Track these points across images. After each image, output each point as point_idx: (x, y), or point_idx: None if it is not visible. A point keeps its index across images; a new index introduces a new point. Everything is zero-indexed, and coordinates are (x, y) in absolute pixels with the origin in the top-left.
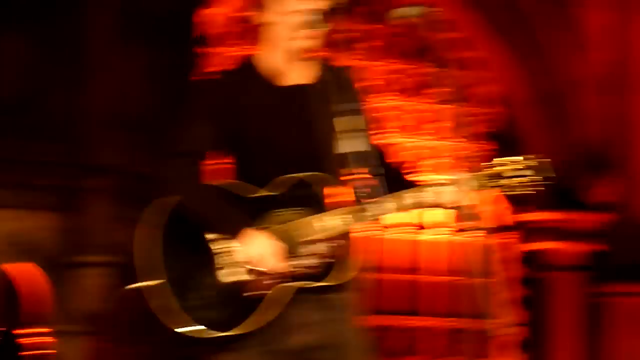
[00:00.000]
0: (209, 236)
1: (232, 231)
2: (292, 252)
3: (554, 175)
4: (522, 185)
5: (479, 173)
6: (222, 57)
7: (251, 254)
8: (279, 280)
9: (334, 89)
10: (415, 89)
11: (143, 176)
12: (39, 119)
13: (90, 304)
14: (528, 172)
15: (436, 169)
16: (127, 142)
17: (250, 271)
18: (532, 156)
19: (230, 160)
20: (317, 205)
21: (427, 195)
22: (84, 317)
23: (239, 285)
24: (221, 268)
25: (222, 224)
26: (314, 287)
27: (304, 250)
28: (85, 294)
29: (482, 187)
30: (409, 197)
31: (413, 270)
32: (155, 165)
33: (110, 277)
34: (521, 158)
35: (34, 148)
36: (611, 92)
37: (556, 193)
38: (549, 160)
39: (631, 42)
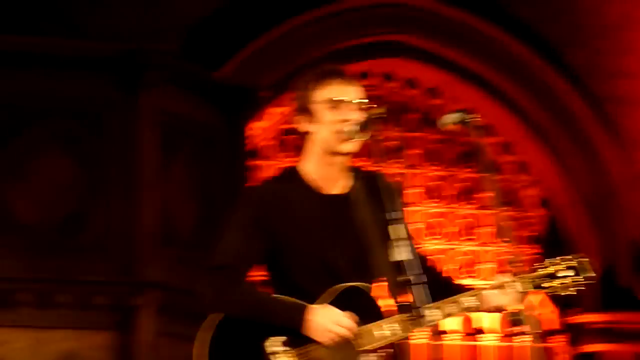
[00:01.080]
0: (271, 349)
1: (293, 319)
2: None
3: (595, 273)
4: (564, 286)
5: (522, 276)
6: (269, 171)
7: (325, 324)
8: None
9: (377, 198)
10: (459, 195)
11: (189, 292)
12: (89, 239)
13: None
14: (569, 273)
15: (482, 275)
16: (174, 258)
17: None
18: (572, 256)
19: (273, 273)
20: (367, 315)
21: (472, 300)
22: None
23: None
24: None
25: (281, 316)
26: None
27: (354, 330)
28: None
29: (526, 290)
30: (455, 304)
31: None
32: (195, 279)
33: None
34: (560, 259)
35: (86, 267)
36: None
37: (606, 294)
38: (589, 259)
39: None
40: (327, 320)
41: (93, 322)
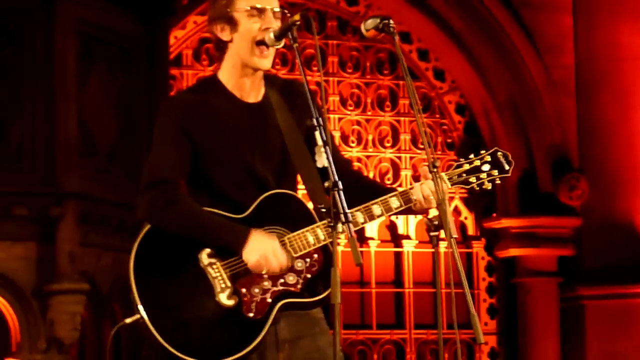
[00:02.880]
0: (205, 260)
1: (233, 239)
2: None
3: (512, 165)
4: (490, 179)
5: (448, 172)
6: (192, 80)
7: (259, 254)
8: (270, 299)
9: (295, 104)
10: (378, 102)
11: (108, 202)
12: (8, 150)
13: (64, 333)
14: (486, 167)
15: (401, 182)
16: (93, 169)
17: (245, 290)
18: (494, 150)
19: (196, 184)
20: (299, 221)
21: (396, 201)
22: (59, 346)
23: (237, 308)
24: (220, 291)
25: (220, 236)
26: (296, 303)
27: (283, 267)
28: (59, 322)
29: (452, 183)
30: (378, 205)
31: (398, 282)
32: (130, 196)
33: (82, 304)
34: (484, 153)
35: (6, 179)
36: (574, 96)
37: (525, 199)
38: (507, 152)
39: (593, 46)
40: (267, 249)
41: (14, 232)
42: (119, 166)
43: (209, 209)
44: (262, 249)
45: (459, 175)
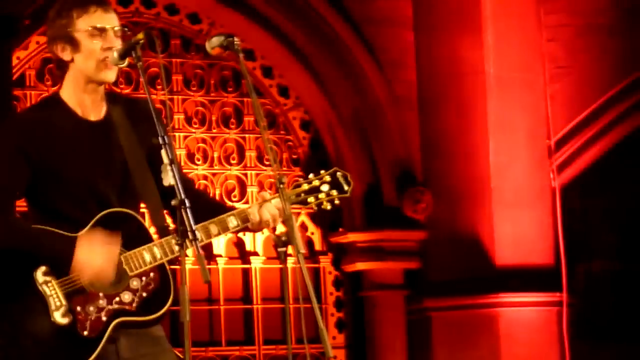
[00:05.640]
0: (41, 279)
1: (62, 251)
2: (109, 289)
3: (351, 185)
4: (329, 199)
5: (287, 191)
6: (35, 100)
7: (89, 262)
8: (105, 318)
9: (139, 122)
10: (222, 120)
11: None
12: None
13: None
14: (325, 187)
15: (248, 198)
16: None
17: (81, 308)
18: (334, 170)
19: (36, 204)
20: (137, 239)
21: (237, 219)
22: None
23: (72, 326)
24: (55, 309)
25: (47, 247)
26: (131, 322)
27: (121, 285)
28: None
29: (290, 202)
30: (215, 224)
31: (247, 299)
32: None
33: None
34: (323, 173)
35: None
36: (417, 110)
37: (370, 213)
38: (346, 173)
39: (434, 61)
40: (92, 259)
41: None
42: None
43: (40, 226)
44: (89, 258)
45: (298, 195)
